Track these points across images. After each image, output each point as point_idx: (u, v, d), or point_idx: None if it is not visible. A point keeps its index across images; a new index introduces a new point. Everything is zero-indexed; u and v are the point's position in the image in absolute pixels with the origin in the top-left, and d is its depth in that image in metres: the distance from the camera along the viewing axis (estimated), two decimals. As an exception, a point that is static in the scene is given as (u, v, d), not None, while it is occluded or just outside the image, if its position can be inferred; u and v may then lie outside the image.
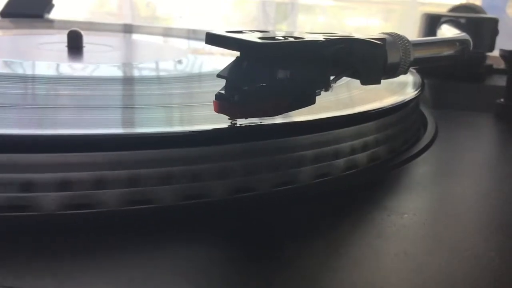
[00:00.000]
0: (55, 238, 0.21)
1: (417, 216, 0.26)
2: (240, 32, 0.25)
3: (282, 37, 0.25)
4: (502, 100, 0.45)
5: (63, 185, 0.23)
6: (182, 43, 0.60)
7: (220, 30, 0.25)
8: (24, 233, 0.22)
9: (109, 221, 0.23)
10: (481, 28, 0.52)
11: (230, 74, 0.25)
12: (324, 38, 0.26)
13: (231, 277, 0.21)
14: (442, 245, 0.24)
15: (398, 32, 0.30)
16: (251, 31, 0.26)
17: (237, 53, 0.25)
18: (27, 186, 0.22)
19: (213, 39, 0.25)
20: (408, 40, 0.30)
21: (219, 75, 0.25)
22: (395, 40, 0.30)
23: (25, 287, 0.19)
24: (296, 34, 0.26)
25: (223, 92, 0.25)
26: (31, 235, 0.22)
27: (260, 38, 0.24)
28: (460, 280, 0.21)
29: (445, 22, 0.52)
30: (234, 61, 0.25)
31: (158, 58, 0.47)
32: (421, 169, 0.32)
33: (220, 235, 0.23)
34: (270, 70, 0.25)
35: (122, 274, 0.20)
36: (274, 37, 0.25)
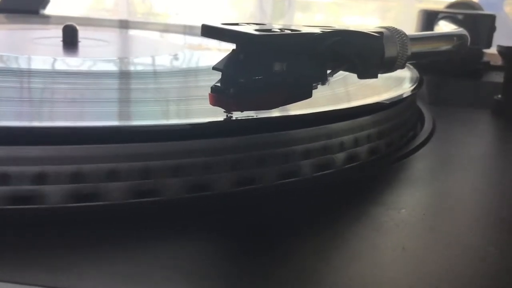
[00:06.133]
0: (50, 232, 0.21)
1: (415, 211, 0.26)
2: (236, 24, 0.25)
3: (279, 29, 0.25)
4: (499, 96, 0.45)
5: (55, 178, 0.22)
6: (179, 39, 0.59)
7: (216, 22, 0.25)
8: (17, 226, 0.21)
9: (104, 215, 0.23)
10: (478, 24, 0.52)
11: (226, 66, 0.24)
12: (321, 31, 0.26)
13: (227, 272, 0.20)
14: (440, 240, 0.23)
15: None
16: (247, 23, 0.25)
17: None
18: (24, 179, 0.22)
19: (208, 31, 0.25)
20: (405, 34, 0.30)
21: (214, 68, 0.25)
22: (393, 34, 0.29)
23: (19, 282, 0.18)
24: (293, 27, 0.26)
25: (219, 84, 0.24)
26: (24, 229, 0.21)
27: (256, 30, 0.24)
28: (459, 275, 0.21)
29: (442, 18, 0.52)
30: (230, 54, 0.25)
31: (154, 53, 0.47)
32: (419, 164, 0.32)
33: (216, 230, 0.23)
34: (266, 63, 0.24)
35: (117, 269, 0.20)
36: (271, 29, 0.25)
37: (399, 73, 0.33)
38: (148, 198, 0.24)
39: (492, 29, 0.52)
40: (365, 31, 0.27)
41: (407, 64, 0.31)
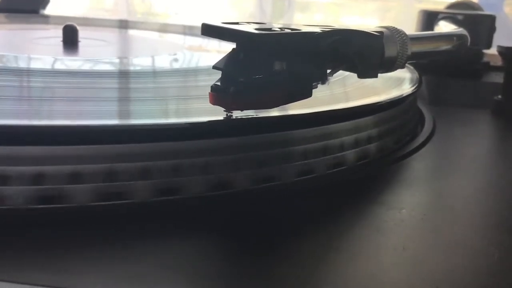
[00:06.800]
0: (50, 232, 0.21)
1: (415, 211, 0.26)
2: (236, 23, 0.25)
3: (279, 28, 0.25)
4: (499, 97, 0.45)
5: (49, 178, 0.22)
6: (178, 39, 0.59)
7: (216, 21, 0.25)
8: (17, 227, 0.21)
9: (104, 216, 0.23)
10: (478, 25, 0.52)
11: (226, 65, 0.24)
12: (321, 30, 0.26)
13: (227, 272, 0.20)
14: (441, 240, 0.23)
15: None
16: (247, 22, 0.25)
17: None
18: (6, 179, 0.22)
19: (209, 30, 0.25)
20: (405, 34, 0.30)
21: (214, 67, 0.25)
22: (393, 33, 0.29)
23: (19, 282, 0.18)
24: (293, 26, 0.26)
25: (219, 83, 0.24)
26: (24, 229, 0.21)
27: (256, 29, 0.24)
28: (459, 275, 0.21)
29: (442, 18, 0.52)
30: (230, 53, 0.25)
31: (154, 53, 0.47)
32: (419, 164, 0.32)
33: (216, 230, 0.23)
34: (266, 62, 0.24)
35: (117, 269, 0.20)
36: (271, 28, 0.25)
37: (399, 73, 0.33)
38: (147, 199, 0.23)
39: (492, 29, 0.52)
40: (365, 30, 0.27)
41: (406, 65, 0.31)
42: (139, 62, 0.42)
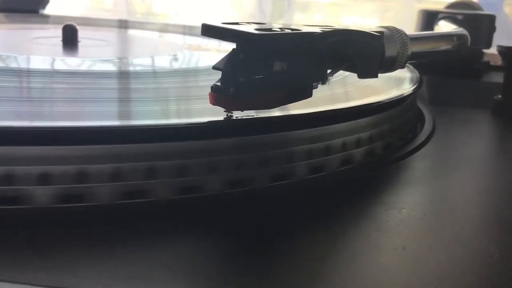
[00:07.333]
0: (51, 232, 0.21)
1: (415, 211, 0.26)
2: (237, 23, 0.25)
3: (279, 28, 0.25)
4: (499, 96, 0.45)
5: (59, 178, 0.22)
6: (178, 39, 0.59)
7: (216, 21, 0.25)
8: (17, 226, 0.21)
9: (106, 215, 0.23)
10: (478, 24, 0.52)
11: (226, 66, 0.24)
12: (321, 31, 0.26)
13: (227, 272, 0.20)
14: (441, 240, 0.23)
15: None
16: (247, 23, 0.25)
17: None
18: (13, 179, 0.22)
19: (209, 30, 0.25)
20: (405, 34, 0.30)
21: (214, 67, 0.25)
22: (393, 33, 0.29)
23: (19, 282, 0.18)
24: (293, 27, 0.26)
25: (219, 84, 0.24)
26: (24, 229, 0.21)
27: (256, 29, 0.24)
28: (459, 275, 0.21)
29: (442, 18, 0.52)
30: (230, 53, 0.25)
31: (154, 53, 0.47)
32: (419, 164, 0.32)
33: (218, 229, 0.23)
34: (266, 62, 0.24)
35: (117, 269, 0.20)
36: (271, 28, 0.25)
37: (399, 73, 0.33)
38: (144, 199, 0.23)
39: (492, 29, 0.52)
40: (365, 30, 0.27)
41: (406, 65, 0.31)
42: (139, 62, 0.42)
